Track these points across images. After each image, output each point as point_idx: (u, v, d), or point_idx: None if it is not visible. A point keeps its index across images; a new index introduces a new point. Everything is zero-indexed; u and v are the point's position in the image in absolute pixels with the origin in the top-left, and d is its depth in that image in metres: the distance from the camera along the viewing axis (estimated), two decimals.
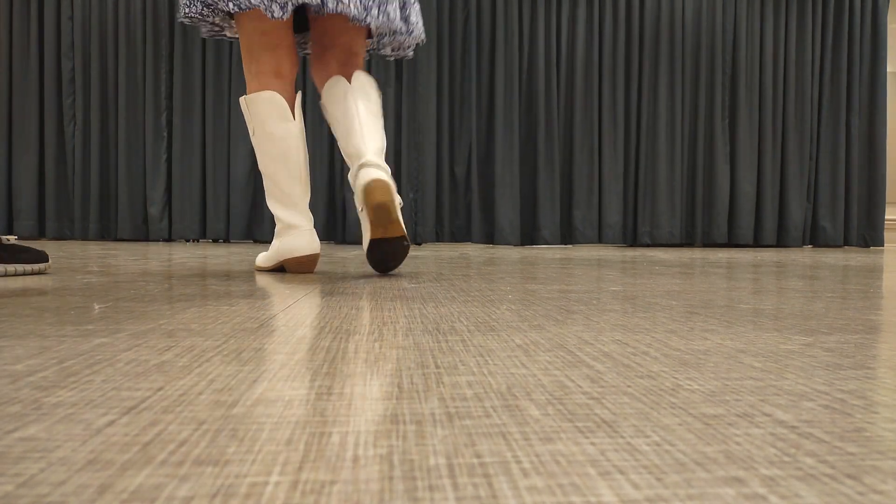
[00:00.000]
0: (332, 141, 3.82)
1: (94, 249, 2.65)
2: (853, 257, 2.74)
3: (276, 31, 1.47)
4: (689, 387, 0.48)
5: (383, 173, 1.35)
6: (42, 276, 1.32)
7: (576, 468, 0.32)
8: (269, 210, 1.53)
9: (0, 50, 3.76)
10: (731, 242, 4.14)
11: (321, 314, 0.82)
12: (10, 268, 1.31)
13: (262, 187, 3.80)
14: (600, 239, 4.00)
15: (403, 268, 1.76)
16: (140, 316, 0.79)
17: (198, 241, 3.86)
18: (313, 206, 3.80)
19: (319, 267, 1.73)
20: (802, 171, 4.19)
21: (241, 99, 1.50)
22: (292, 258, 1.47)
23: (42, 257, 1.38)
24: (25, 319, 0.75)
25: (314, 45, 1.59)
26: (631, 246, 4.01)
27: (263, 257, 1.57)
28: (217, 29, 1.60)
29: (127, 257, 2.09)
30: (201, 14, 1.49)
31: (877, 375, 0.52)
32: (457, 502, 0.28)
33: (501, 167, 3.89)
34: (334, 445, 0.34)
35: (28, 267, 1.34)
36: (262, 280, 1.31)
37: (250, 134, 1.50)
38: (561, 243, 3.99)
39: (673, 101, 4.05)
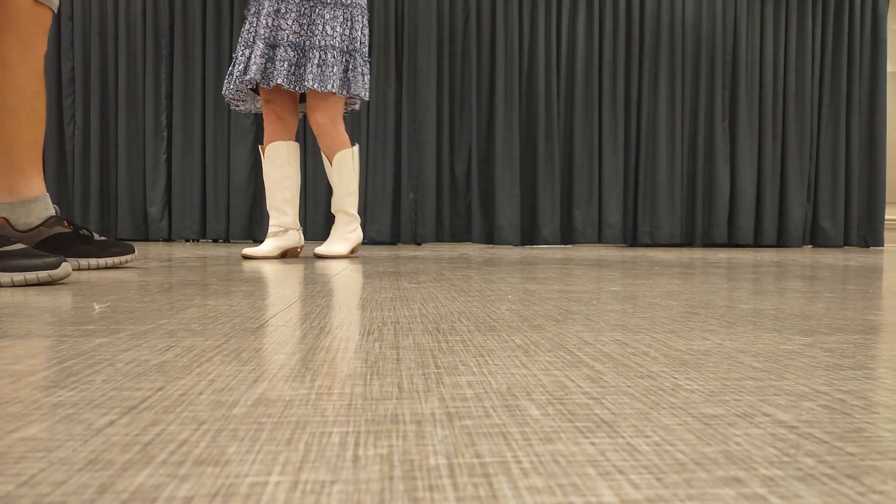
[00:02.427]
0: None
1: None
2: (853, 257, 2.75)
3: None
4: (688, 387, 0.48)
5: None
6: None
7: (576, 468, 0.32)
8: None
9: None
10: (732, 242, 4.14)
11: (321, 314, 0.82)
12: (102, 261, 1.48)
13: (262, 187, 3.80)
14: (600, 239, 4.00)
15: (404, 268, 1.76)
16: (140, 316, 0.79)
17: (197, 241, 3.87)
18: (315, 210, 3.80)
19: (319, 267, 1.74)
20: (802, 171, 4.19)
21: (356, 149, 2.21)
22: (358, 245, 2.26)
23: (128, 249, 1.52)
24: (26, 319, 0.75)
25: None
26: (631, 246, 4.01)
27: (345, 247, 2.18)
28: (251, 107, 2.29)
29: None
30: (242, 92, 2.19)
31: (876, 376, 0.52)
32: (457, 502, 0.28)
33: (501, 167, 3.89)
34: (334, 445, 0.35)
35: (118, 259, 1.50)
36: (263, 280, 1.31)
37: (354, 172, 2.20)
38: (561, 243, 3.99)
39: (673, 101, 4.05)
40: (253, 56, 2.04)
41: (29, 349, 0.58)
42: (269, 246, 2.12)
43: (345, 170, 2.16)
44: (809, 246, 4.28)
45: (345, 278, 1.38)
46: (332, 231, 2.24)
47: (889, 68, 4.84)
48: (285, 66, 2.02)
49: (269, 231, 2.15)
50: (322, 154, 2.20)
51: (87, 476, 0.30)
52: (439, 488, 0.29)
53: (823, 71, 4.24)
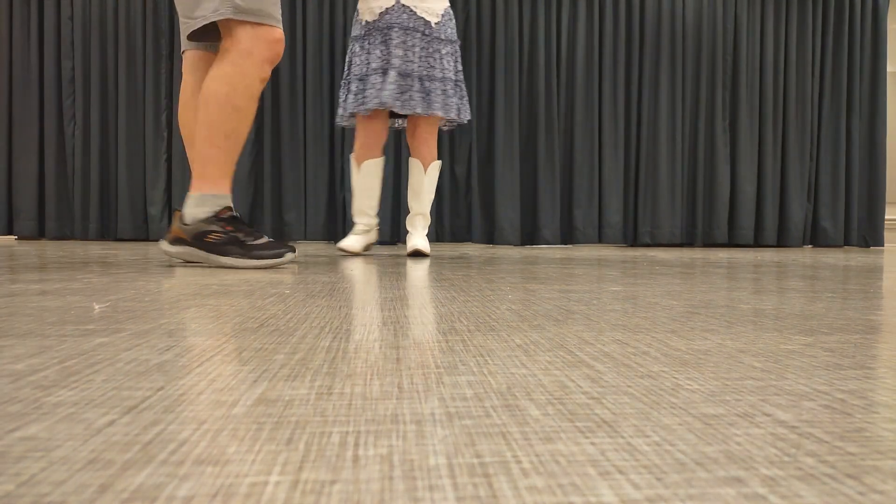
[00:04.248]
0: (332, 146, 3.82)
1: (95, 249, 2.66)
2: (853, 257, 2.75)
3: None
4: (689, 387, 0.48)
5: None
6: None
7: (576, 468, 0.32)
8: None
9: (0, 50, 3.76)
10: (732, 242, 4.14)
11: (321, 314, 0.82)
12: (244, 262, 1.59)
13: (262, 187, 3.80)
14: (601, 239, 4.00)
15: (403, 268, 1.76)
16: (140, 316, 0.79)
17: None
18: (314, 207, 3.80)
19: (320, 266, 1.74)
20: (803, 171, 4.19)
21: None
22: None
23: (279, 254, 1.61)
24: (26, 319, 0.75)
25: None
26: (631, 246, 4.01)
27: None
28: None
29: (127, 257, 2.09)
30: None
31: (877, 375, 0.52)
32: (457, 502, 0.28)
33: (502, 167, 3.89)
34: (334, 445, 0.35)
35: (261, 262, 1.59)
36: (264, 280, 1.31)
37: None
38: (561, 243, 3.99)
39: (674, 101, 4.05)
40: (387, 83, 2.31)
41: (29, 348, 0.58)
42: (359, 242, 2.47)
43: (435, 177, 2.53)
44: (810, 246, 4.28)
45: (345, 279, 1.38)
46: (415, 230, 2.51)
47: (889, 68, 4.84)
48: (419, 95, 2.35)
49: (357, 229, 2.50)
50: (415, 160, 2.49)
51: (87, 475, 0.30)
52: (439, 488, 0.29)
53: (824, 71, 4.24)
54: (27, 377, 0.48)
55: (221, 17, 1.60)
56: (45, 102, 3.76)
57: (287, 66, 3.79)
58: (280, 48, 1.68)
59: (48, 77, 3.75)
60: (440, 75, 2.38)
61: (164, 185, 3.77)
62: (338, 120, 2.51)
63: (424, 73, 2.36)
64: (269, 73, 1.68)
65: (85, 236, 3.78)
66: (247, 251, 1.60)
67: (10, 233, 3.80)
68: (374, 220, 2.53)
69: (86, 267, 1.61)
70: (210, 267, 1.61)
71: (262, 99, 3.78)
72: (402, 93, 2.33)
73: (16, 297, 0.96)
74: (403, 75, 2.33)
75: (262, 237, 1.64)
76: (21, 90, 3.76)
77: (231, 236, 1.60)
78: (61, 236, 3.80)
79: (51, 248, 2.65)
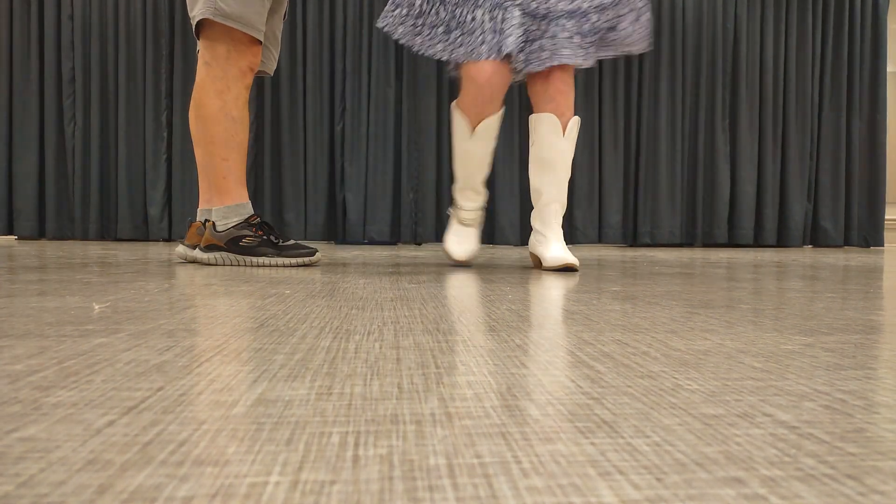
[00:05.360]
0: (332, 146, 3.82)
1: (94, 249, 2.65)
2: (854, 257, 2.74)
3: None
4: (689, 387, 0.48)
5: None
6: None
7: (576, 468, 0.32)
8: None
9: (0, 50, 3.76)
10: (732, 242, 4.13)
11: (321, 314, 0.82)
12: (279, 260, 1.71)
13: (262, 187, 3.80)
14: (600, 239, 4.00)
15: (403, 268, 1.76)
16: (140, 316, 0.79)
17: None
18: (314, 207, 3.79)
19: (320, 266, 1.74)
20: (803, 171, 4.19)
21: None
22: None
23: (307, 253, 1.74)
24: (25, 319, 0.75)
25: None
26: (631, 246, 4.01)
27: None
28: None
29: (127, 257, 2.09)
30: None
31: (877, 376, 0.52)
32: (457, 502, 0.28)
33: (501, 166, 3.88)
34: (334, 445, 0.34)
35: (294, 260, 1.71)
36: (263, 280, 1.31)
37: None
38: None
39: (673, 101, 4.05)
40: (510, 25, 1.66)
41: (28, 349, 0.58)
42: (471, 240, 1.82)
43: (574, 141, 1.74)
44: (810, 246, 4.28)
45: (344, 278, 1.38)
46: (549, 230, 1.71)
47: (889, 68, 4.83)
48: (562, 39, 1.68)
49: (464, 217, 1.81)
50: (546, 115, 1.73)
51: (86, 476, 0.30)
52: (439, 488, 0.29)
53: (824, 71, 4.24)
54: (26, 378, 0.48)
55: (202, 17, 1.64)
56: (45, 102, 3.76)
57: (287, 66, 3.79)
58: (257, 59, 1.74)
59: (48, 77, 3.75)
60: (571, 6, 1.68)
61: (164, 185, 3.76)
62: (384, 23, 1.78)
63: (550, 7, 1.68)
64: (252, 79, 1.76)
65: (85, 236, 3.78)
66: (280, 251, 1.72)
67: (10, 233, 3.80)
68: (484, 196, 1.84)
69: (85, 267, 1.61)
70: (225, 266, 1.71)
71: (261, 99, 3.78)
72: (529, 41, 1.70)
73: (15, 297, 0.96)
74: (530, 15, 1.69)
75: (289, 239, 1.76)
76: (21, 90, 3.75)
77: (263, 239, 1.73)
78: (61, 236, 3.80)
79: (51, 249, 2.65)
